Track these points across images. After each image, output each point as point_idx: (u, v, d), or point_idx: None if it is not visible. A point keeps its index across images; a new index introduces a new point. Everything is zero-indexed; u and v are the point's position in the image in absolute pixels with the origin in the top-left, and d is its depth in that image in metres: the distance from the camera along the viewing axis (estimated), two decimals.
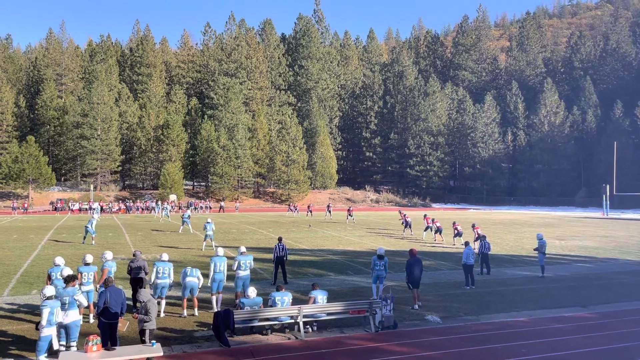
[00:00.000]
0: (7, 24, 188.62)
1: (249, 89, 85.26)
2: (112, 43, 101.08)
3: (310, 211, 50.48)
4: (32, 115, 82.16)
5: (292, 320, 10.79)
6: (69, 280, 9.29)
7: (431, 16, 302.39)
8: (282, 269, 16.07)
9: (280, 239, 16.64)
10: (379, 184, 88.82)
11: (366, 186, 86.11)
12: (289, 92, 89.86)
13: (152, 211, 53.00)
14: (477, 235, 23.15)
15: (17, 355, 9.42)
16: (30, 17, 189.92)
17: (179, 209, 57.22)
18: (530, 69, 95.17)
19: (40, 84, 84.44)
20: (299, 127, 79.20)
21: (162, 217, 42.64)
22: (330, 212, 46.47)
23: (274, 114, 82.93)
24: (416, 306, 13.16)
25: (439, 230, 27.75)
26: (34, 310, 12.51)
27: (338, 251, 23.95)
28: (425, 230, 29.50)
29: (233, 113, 74.88)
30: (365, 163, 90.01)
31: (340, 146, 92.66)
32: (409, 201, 79.59)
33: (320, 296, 11.50)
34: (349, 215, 41.55)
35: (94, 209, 46.24)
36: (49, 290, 8.76)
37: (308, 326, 11.10)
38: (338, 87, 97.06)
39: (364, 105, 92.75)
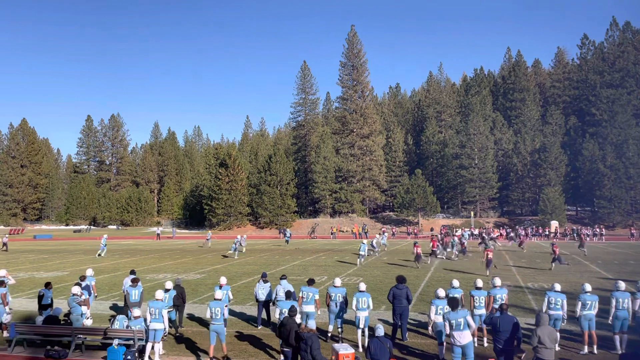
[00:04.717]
0: (396, 74, 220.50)
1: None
2: (484, 75, 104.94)
3: None
4: (417, 151, 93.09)
5: None
6: (455, 304, 9.79)
7: None
8: None
9: None
10: None
11: None
12: None
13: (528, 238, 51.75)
14: None
15: None
16: (413, 64, 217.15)
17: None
18: None
19: (424, 122, 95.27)
20: None
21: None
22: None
23: None
24: None
25: None
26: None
27: None
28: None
29: (621, 128, 66.14)
30: None
31: None
32: None
33: None
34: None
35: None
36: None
37: None
38: None
39: None
